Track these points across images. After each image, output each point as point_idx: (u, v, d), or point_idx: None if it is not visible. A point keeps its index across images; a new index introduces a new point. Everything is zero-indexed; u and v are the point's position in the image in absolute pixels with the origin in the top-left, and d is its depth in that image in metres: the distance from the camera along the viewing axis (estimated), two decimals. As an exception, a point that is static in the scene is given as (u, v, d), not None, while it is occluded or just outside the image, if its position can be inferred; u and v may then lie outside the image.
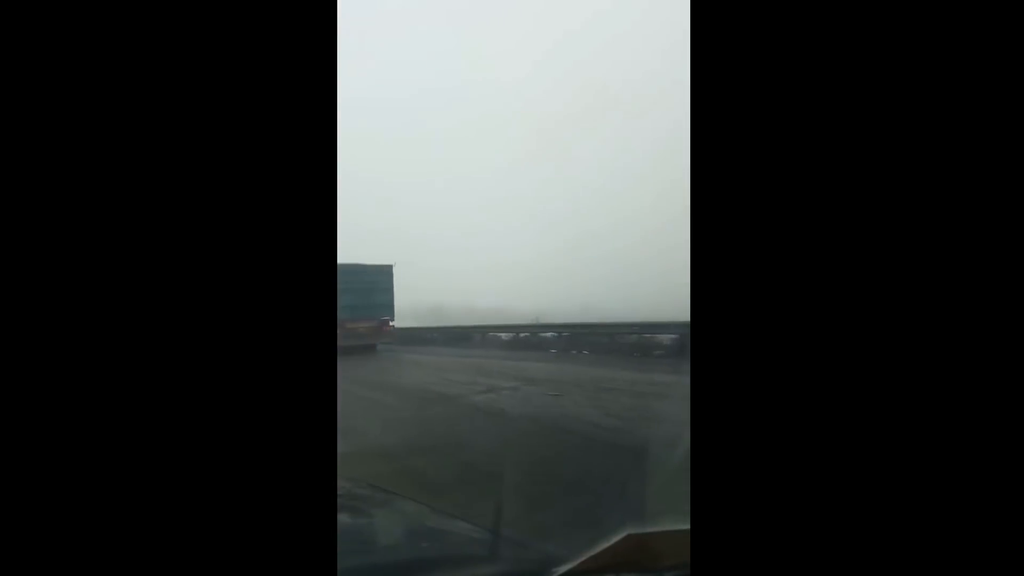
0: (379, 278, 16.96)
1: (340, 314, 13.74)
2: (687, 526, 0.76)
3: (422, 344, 18.96)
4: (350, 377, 9.62)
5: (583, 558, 0.82)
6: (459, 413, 6.71)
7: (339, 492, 0.89)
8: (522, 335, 18.02)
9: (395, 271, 17.37)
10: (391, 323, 17.21)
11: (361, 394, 8.11)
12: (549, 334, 17.09)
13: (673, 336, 12.51)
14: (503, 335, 18.76)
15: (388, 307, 17.12)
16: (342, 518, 1.07)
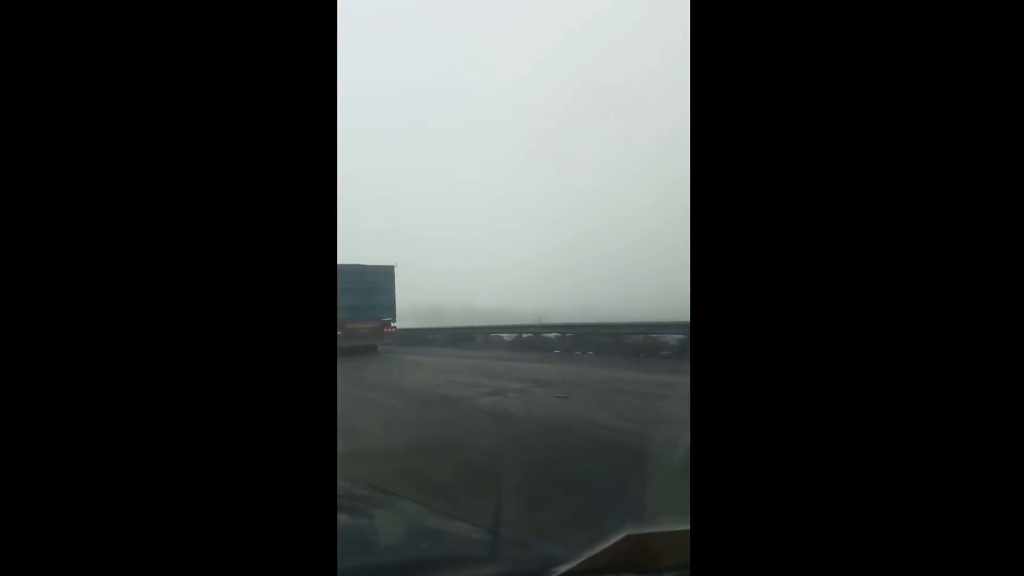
0: (380, 278, 16.92)
1: (341, 315, 13.70)
2: (686, 526, 0.77)
3: (423, 345, 18.92)
4: (352, 378, 9.57)
5: (582, 558, 0.83)
6: (466, 416, 6.63)
7: (339, 492, 0.89)
8: (525, 336, 18.00)
9: (396, 271, 17.38)
10: (392, 324, 17.20)
11: (363, 396, 8.06)
12: (552, 335, 17.08)
13: (679, 336, 12.47)
14: (505, 336, 18.74)
15: (389, 308, 17.09)
16: (342, 518, 1.07)
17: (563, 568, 0.84)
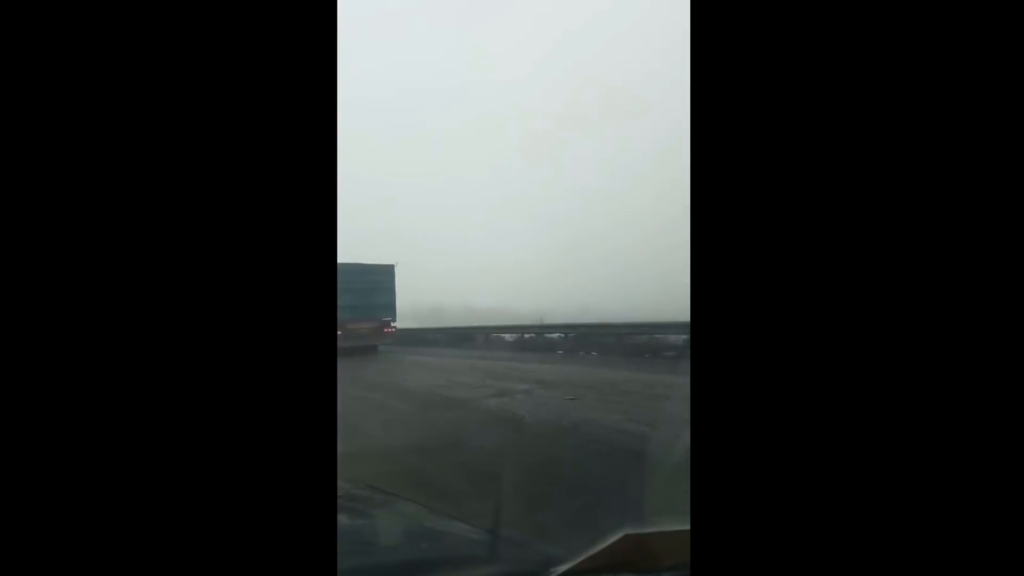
0: (381, 278, 16.87)
1: (341, 314, 13.66)
2: (684, 526, 0.77)
3: (424, 345, 18.88)
4: (353, 379, 9.53)
5: (581, 558, 0.83)
6: (473, 418, 6.56)
7: (338, 493, 0.90)
8: (527, 336, 17.98)
9: (396, 271, 17.36)
10: (393, 324, 17.18)
11: (366, 397, 8.02)
12: (554, 335, 17.05)
13: (683, 337, 12.43)
14: (507, 336, 18.71)
15: (390, 307, 17.05)
16: (341, 519, 1.08)
17: (561, 568, 0.85)
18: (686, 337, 12.21)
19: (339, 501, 0.90)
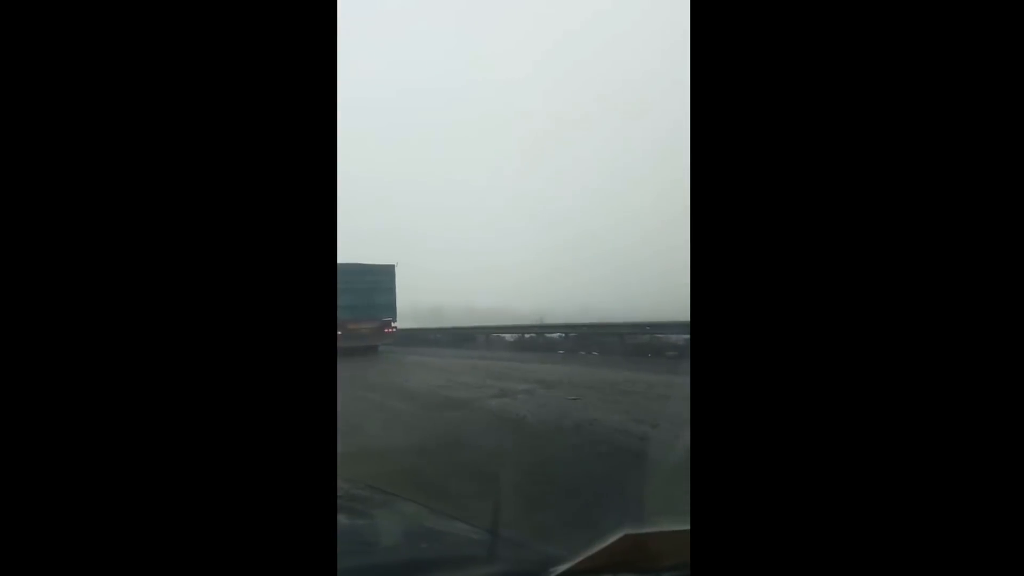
0: (381, 278, 16.85)
1: (341, 315, 13.65)
2: (683, 526, 0.78)
3: (424, 345, 18.88)
4: (354, 380, 9.52)
5: (580, 558, 0.84)
6: (475, 418, 6.53)
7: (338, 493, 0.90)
8: (527, 336, 17.98)
9: (396, 271, 17.36)
10: (394, 324, 17.17)
11: (366, 397, 8.00)
12: (555, 335, 17.05)
13: (684, 337, 12.41)
14: (507, 336, 18.72)
15: (390, 307, 17.03)
16: (341, 519, 1.08)
17: (560, 568, 0.85)
18: (687, 337, 12.15)
19: (339, 501, 0.91)
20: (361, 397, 7.95)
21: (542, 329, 17.97)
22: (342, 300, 13.73)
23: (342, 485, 1.32)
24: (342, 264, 12.90)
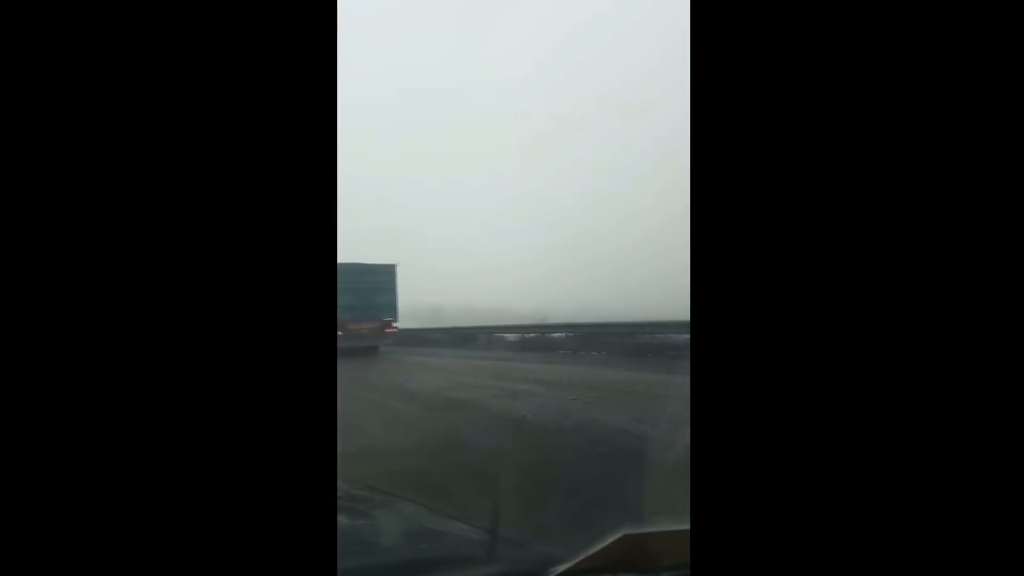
0: (382, 278, 16.82)
1: (341, 315, 13.63)
2: (682, 526, 0.78)
3: (425, 346, 18.85)
4: (356, 381, 9.49)
5: (579, 558, 0.84)
6: (479, 420, 6.48)
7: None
8: (529, 336, 17.97)
9: (397, 271, 17.34)
10: (395, 324, 17.14)
11: (369, 399, 7.97)
12: (557, 335, 17.04)
13: (686, 337, 12.35)
14: (509, 336, 18.70)
15: (391, 308, 16.99)
16: (340, 519, 1.09)
17: (560, 568, 0.86)
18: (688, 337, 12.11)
19: (339, 502, 0.91)
20: (361, 397, 7.95)
21: (544, 329, 17.95)
22: (342, 300, 13.71)
23: (341, 485, 1.32)
24: (342, 264, 12.88)
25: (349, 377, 9.56)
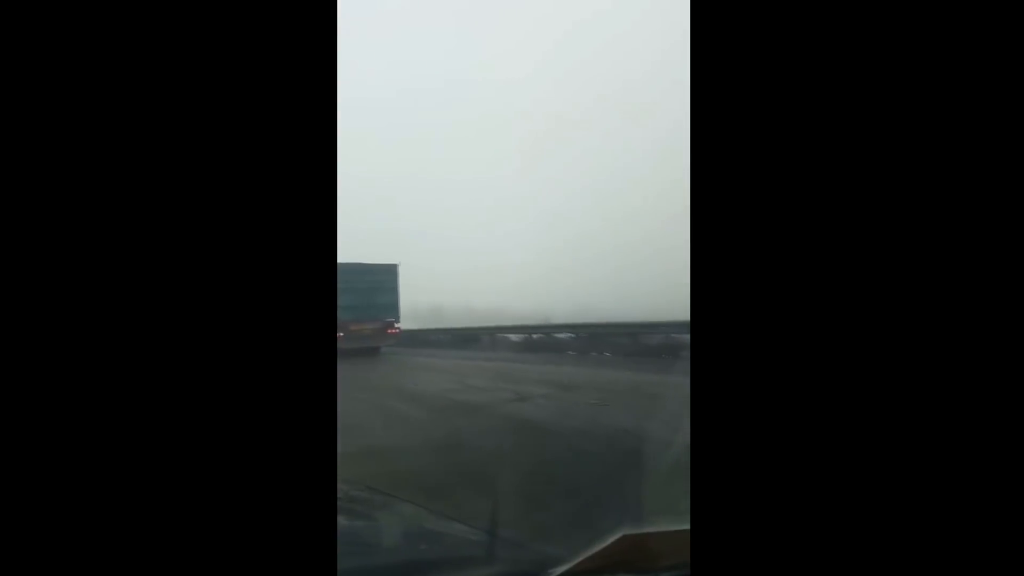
0: (383, 278, 16.67)
1: (342, 315, 13.52)
2: (682, 526, 0.79)
3: (428, 346, 18.73)
4: (358, 383, 9.30)
5: (579, 559, 0.85)
6: (493, 426, 6.11)
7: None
8: (535, 336, 17.88)
9: (398, 271, 17.29)
10: (397, 325, 17.05)
11: (373, 401, 7.77)
12: (564, 335, 16.92)
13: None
14: (513, 336, 18.55)
15: (393, 308, 16.85)
16: (340, 520, 1.09)
17: (559, 569, 0.86)
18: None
19: (339, 502, 0.92)
20: (361, 399, 7.83)
21: (549, 329, 17.84)
22: (343, 300, 13.58)
23: (341, 487, 1.32)
24: (343, 264, 12.80)
25: (357, 383, 9.34)
